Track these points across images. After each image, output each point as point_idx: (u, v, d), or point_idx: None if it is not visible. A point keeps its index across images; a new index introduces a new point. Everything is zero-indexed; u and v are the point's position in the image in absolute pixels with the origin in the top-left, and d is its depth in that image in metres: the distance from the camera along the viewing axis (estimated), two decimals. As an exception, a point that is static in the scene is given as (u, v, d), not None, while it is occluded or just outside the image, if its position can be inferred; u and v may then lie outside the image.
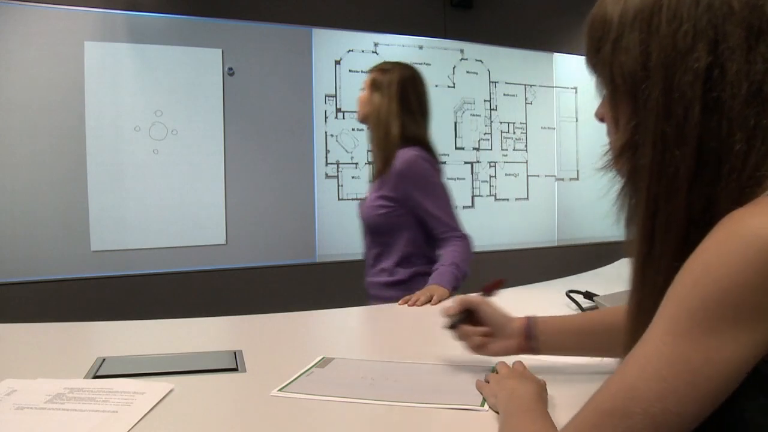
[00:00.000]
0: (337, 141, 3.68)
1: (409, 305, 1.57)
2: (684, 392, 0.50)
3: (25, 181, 3.00)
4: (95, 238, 3.13)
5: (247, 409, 0.85)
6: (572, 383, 0.91)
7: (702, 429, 0.51)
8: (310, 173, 3.62)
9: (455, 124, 4.04)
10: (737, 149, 0.54)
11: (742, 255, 0.48)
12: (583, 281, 1.73)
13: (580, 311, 1.43)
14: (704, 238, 0.52)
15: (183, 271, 3.32)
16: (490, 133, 4.15)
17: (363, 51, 3.76)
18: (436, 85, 3.96)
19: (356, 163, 3.70)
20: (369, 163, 3.62)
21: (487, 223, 4.11)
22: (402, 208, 1.78)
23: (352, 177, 3.68)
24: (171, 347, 1.17)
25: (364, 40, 3.77)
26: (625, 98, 0.60)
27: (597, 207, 4.23)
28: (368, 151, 1.81)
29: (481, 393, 0.86)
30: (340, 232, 3.62)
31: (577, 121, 4.46)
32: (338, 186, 3.69)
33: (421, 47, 3.93)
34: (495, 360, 0.98)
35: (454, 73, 4.03)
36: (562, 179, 4.42)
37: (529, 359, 0.95)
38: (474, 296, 1.03)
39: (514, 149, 4.24)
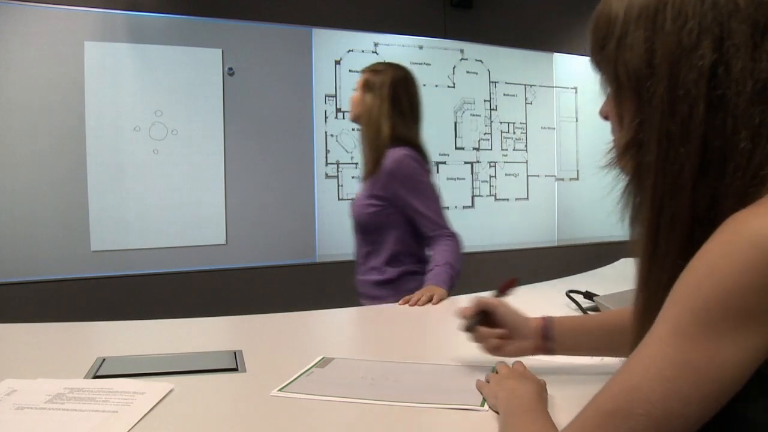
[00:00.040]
0: (337, 141, 3.68)
1: (410, 305, 1.57)
2: (687, 393, 0.49)
3: (25, 181, 2.99)
4: (95, 238, 3.13)
5: (247, 409, 0.85)
6: (572, 383, 0.91)
7: (705, 430, 0.51)
8: (310, 173, 3.62)
9: (455, 124, 4.04)
10: (742, 147, 0.53)
11: (746, 256, 0.48)
12: (583, 281, 1.72)
13: (580, 311, 1.43)
14: (708, 236, 0.52)
15: (183, 271, 3.31)
16: (490, 133, 4.15)
17: (363, 51, 3.76)
18: (436, 85, 3.96)
19: (356, 163, 3.70)
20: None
21: (487, 223, 4.11)
22: (391, 207, 1.80)
23: (352, 177, 3.68)
24: (171, 347, 1.17)
25: (364, 40, 3.77)
26: (630, 96, 0.60)
27: (597, 207, 4.24)
28: (359, 150, 1.83)
29: (481, 393, 0.85)
30: (340, 232, 3.61)
31: (577, 121, 4.46)
32: (338, 186, 3.69)
33: (421, 47, 3.93)
34: (494, 360, 0.98)
35: (454, 73, 4.03)
36: (562, 179, 4.42)
37: (528, 359, 0.95)
38: (489, 297, 1.02)
39: (514, 149, 4.24)
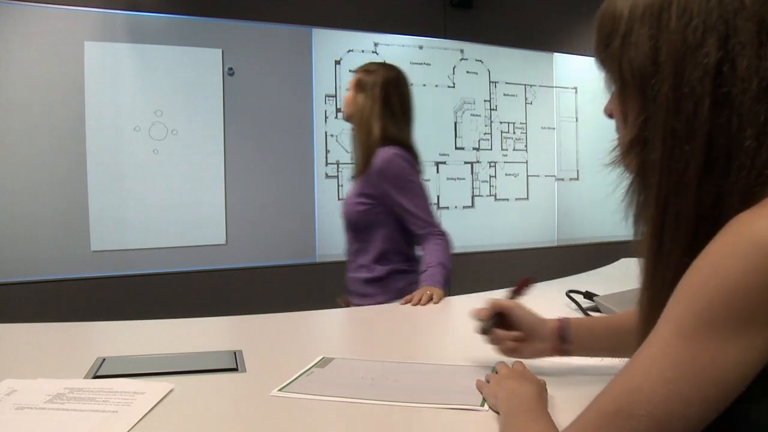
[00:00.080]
0: (337, 141, 3.68)
1: (412, 304, 1.57)
2: (689, 394, 0.49)
3: (25, 181, 2.99)
4: (95, 238, 3.13)
5: (247, 409, 0.85)
6: (572, 384, 0.91)
7: (707, 432, 0.51)
8: (310, 173, 3.62)
9: (455, 124, 4.04)
10: (747, 145, 0.53)
11: (750, 257, 0.47)
12: (583, 281, 1.73)
13: (580, 311, 1.43)
14: (713, 234, 0.52)
15: (183, 271, 3.31)
16: (490, 133, 4.15)
17: (363, 51, 3.76)
18: (436, 85, 3.96)
19: (356, 163, 3.70)
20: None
21: (487, 223, 4.11)
22: (380, 206, 1.81)
23: (352, 177, 3.67)
24: (171, 347, 1.17)
25: (364, 40, 3.77)
26: (634, 93, 0.60)
27: (597, 207, 4.23)
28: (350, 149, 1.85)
29: (481, 393, 0.85)
30: (340, 232, 3.58)
31: (577, 121, 4.46)
32: (338, 186, 3.69)
33: (421, 47, 3.93)
34: (494, 360, 0.97)
35: (454, 73, 4.03)
36: (562, 179, 4.42)
37: (528, 359, 0.95)
38: (504, 299, 1.02)
39: (514, 149, 4.23)
